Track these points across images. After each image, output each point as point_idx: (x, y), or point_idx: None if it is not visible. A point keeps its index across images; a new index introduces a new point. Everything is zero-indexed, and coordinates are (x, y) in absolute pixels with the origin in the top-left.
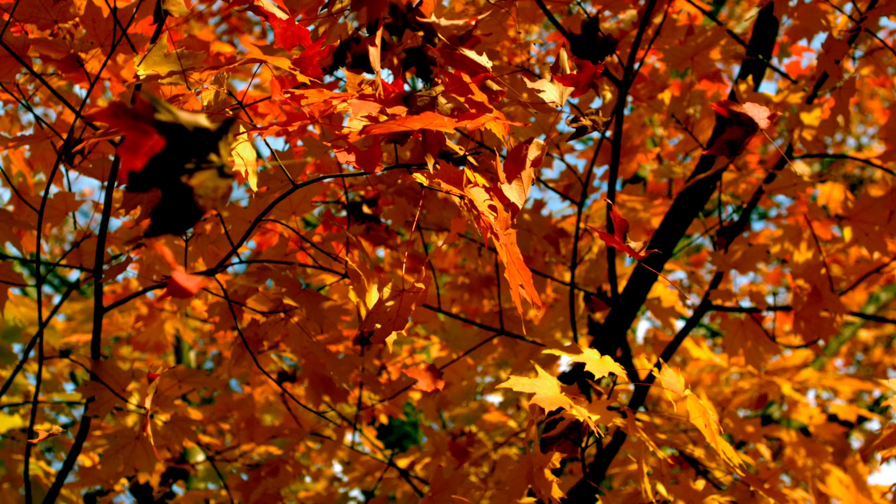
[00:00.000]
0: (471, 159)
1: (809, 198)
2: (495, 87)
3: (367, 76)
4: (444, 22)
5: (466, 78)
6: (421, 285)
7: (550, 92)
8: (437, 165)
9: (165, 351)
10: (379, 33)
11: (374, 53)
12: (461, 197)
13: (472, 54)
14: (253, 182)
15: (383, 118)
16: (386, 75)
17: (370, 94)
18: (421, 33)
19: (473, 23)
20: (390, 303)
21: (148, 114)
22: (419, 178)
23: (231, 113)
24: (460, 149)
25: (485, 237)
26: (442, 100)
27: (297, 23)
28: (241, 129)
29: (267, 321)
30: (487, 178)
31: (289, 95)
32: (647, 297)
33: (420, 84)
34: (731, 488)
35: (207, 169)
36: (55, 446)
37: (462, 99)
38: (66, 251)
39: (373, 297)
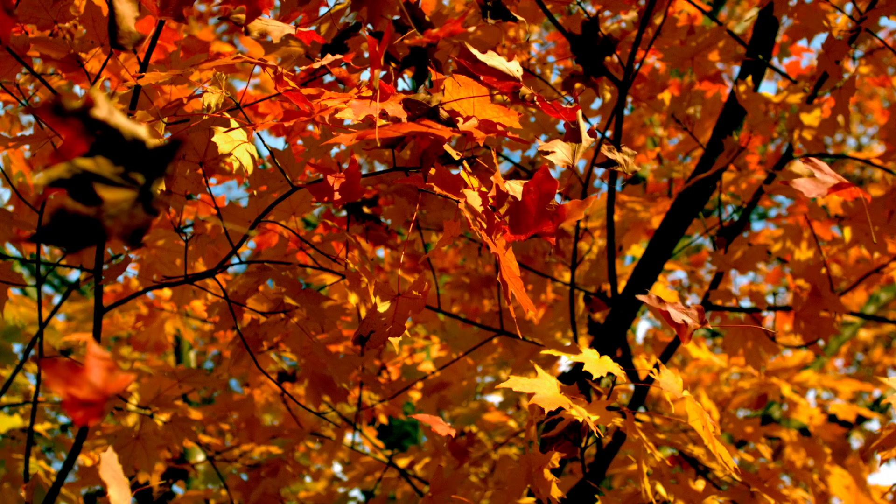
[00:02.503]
0: (466, 165)
1: (809, 198)
2: (526, 92)
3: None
4: (419, 36)
5: (474, 91)
6: (419, 294)
7: (561, 152)
8: (432, 170)
9: (165, 351)
10: (387, 35)
11: (378, 74)
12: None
13: (500, 61)
14: (250, 168)
15: (381, 122)
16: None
17: (369, 96)
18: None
19: (471, 28)
20: (387, 308)
21: (83, 112)
22: (416, 182)
23: (229, 114)
24: (457, 153)
25: (483, 240)
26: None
27: (297, 27)
28: (240, 126)
29: (267, 321)
30: (486, 180)
31: (289, 91)
32: None
33: (416, 84)
34: (730, 488)
35: (129, 189)
36: (55, 446)
37: (477, 108)
38: (66, 251)
39: (373, 297)
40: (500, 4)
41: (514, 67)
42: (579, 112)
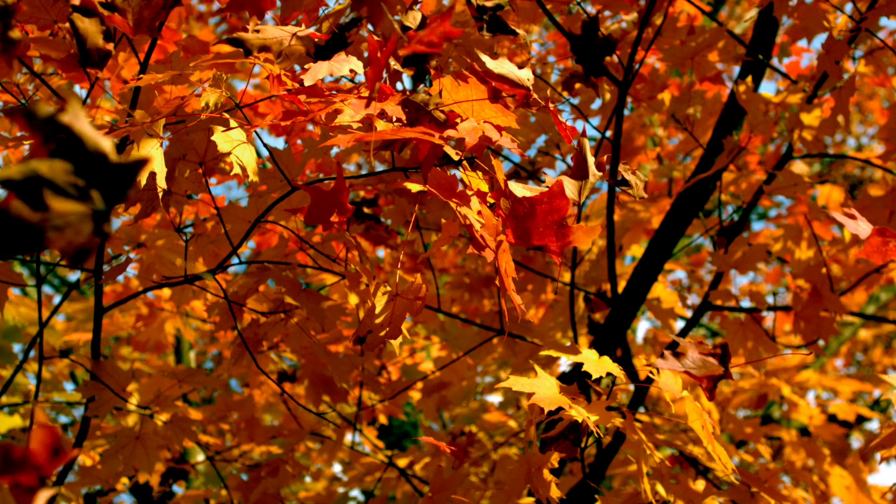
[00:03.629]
0: (466, 165)
1: (809, 198)
2: (536, 98)
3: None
4: (407, 45)
5: (473, 90)
6: (418, 299)
7: (567, 189)
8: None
9: (165, 351)
10: (390, 46)
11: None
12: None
13: (511, 69)
14: (252, 171)
15: (380, 123)
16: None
17: (368, 96)
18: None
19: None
20: (384, 310)
21: (51, 116)
22: (412, 186)
23: (228, 115)
24: (456, 153)
25: (474, 244)
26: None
27: (297, 25)
28: (238, 126)
29: (267, 321)
30: (487, 179)
31: (287, 92)
32: (646, 298)
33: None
34: (730, 488)
35: (81, 204)
36: None
37: (476, 109)
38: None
39: (373, 298)
40: (497, 18)
41: (524, 76)
42: (586, 144)
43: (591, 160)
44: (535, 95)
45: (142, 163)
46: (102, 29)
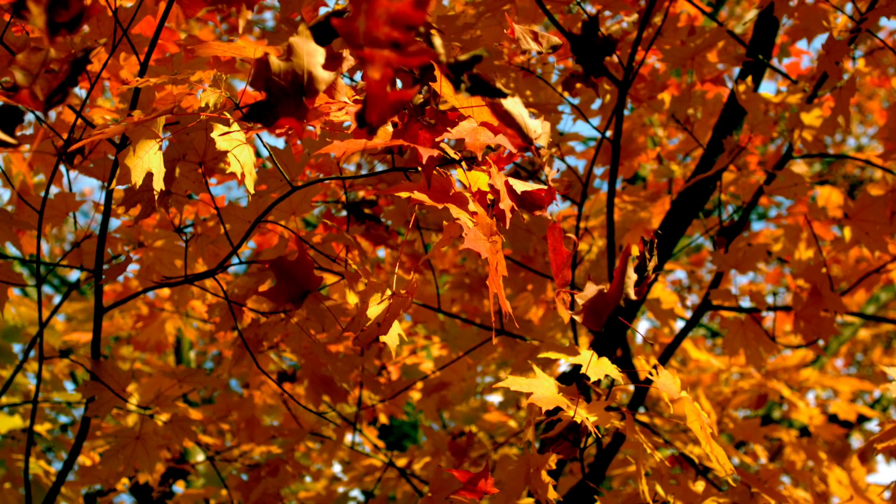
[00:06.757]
0: (464, 165)
1: (809, 198)
2: (540, 163)
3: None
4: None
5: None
6: (408, 294)
7: (587, 293)
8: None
9: (165, 351)
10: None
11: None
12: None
13: (522, 113)
14: (250, 184)
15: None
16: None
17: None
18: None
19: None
20: (378, 308)
21: None
22: (403, 193)
23: (228, 115)
24: (457, 154)
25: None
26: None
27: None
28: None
29: (267, 321)
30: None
31: None
32: (646, 298)
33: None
34: (730, 489)
35: None
36: (55, 446)
37: (476, 112)
38: (66, 251)
39: (368, 298)
40: (478, 78)
41: (533, 126)
42: (630, 262)
43: (631, 280)
44: (536, 147)
45: None
46: None
